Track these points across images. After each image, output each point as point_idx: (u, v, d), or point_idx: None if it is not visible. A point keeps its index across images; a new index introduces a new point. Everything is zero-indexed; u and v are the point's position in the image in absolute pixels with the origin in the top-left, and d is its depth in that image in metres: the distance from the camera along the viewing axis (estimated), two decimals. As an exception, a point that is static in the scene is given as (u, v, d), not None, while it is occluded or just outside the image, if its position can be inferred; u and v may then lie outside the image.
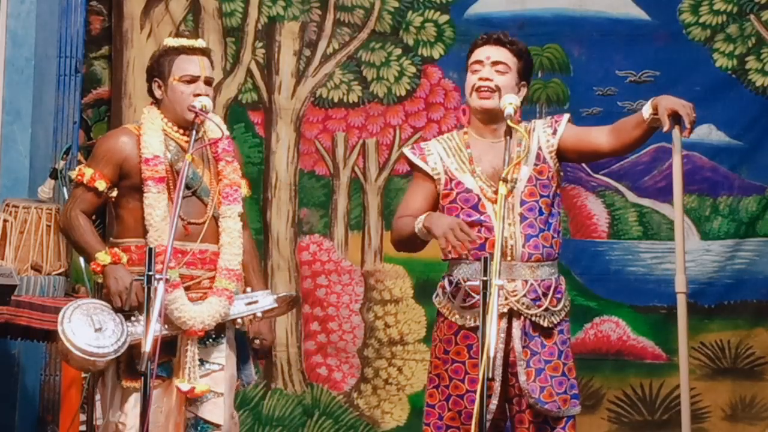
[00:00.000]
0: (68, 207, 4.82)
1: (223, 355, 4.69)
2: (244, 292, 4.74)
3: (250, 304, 4.64)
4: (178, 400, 4.65)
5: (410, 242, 4.67)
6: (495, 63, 4.66)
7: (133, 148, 4.70)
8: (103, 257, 4.66)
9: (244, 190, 4.86)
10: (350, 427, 7.24)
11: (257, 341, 4.84)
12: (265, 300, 4.64)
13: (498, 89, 4.62)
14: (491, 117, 4.64)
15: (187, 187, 4.69)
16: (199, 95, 4.67)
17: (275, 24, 7.39)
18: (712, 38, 7.11)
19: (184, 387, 4.56)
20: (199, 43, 4.74)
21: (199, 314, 4.60)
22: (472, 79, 4.66)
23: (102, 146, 4.80)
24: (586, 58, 7.19)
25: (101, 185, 4.72)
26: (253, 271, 4.88)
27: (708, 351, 7.05)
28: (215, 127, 4.76)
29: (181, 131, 4.74)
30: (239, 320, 4.65)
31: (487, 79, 4.62)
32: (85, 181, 4.72)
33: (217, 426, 4.65)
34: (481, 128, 4.69)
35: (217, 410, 4.65)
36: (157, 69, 4.74)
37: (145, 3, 7.38)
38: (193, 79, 4.69)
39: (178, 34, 4.81)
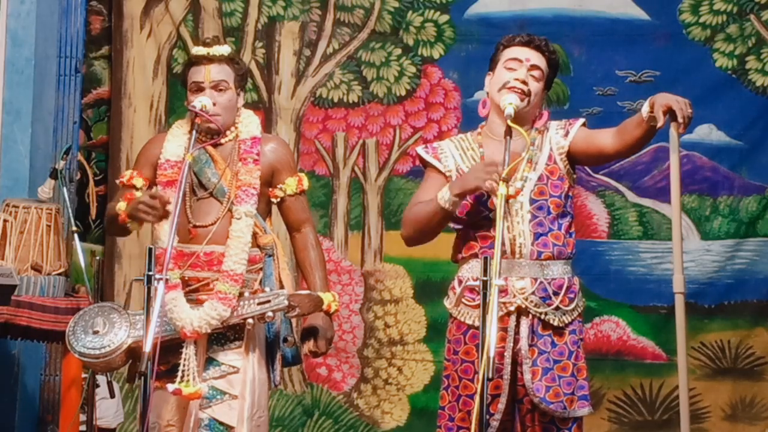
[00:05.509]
0: (108, 206, 4.94)
1: (239, 357, 4.68)
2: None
3: (262, 303, 4.62)
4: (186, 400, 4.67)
5: (429, 224, 4.62)
6: (533, 67, 4.65)
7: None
8: (120, 205, 4.66)
9: (291, 189, 4.84)
10: (350, 427, 7.24)
11: (308, 337, 4.81)
12: (277, 299, 4.62)
13: (529, 94, 4.62)
14: (514, 117, 4.61)
15: (204, 188, 4.73)
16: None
17: (275, 24, 7.39)
18: (712, 38, 7.11)
19: (171, 387, 4.56)
20: (214, 50, 4.74)
21: (191, 318, 4.60)
22: (505, 76, 4.63)
23: (141, 149, 4.93)
24: (586, 58, 7.20)
25: (138, 182, 4.79)
26: (309, 267, 4.85)
27: (708, 351, 7.05)
28: (250, 125, 4.80)
29: (208, 137, 4.76)
30: (250, 320, 4.64)
31: (523, 82, 4.62)
32: (124, 181, 4.83)
33: (230, 428, 4.65)
34: (498, 125, 4.67)
35: (230, 412, 4.64)
36: (182, 80, 4.85)
37: (145, 3, 7.38)
38: (199, 88, 4.73)
39: (203, 43, 4.81)
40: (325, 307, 4.76)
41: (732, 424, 7.03)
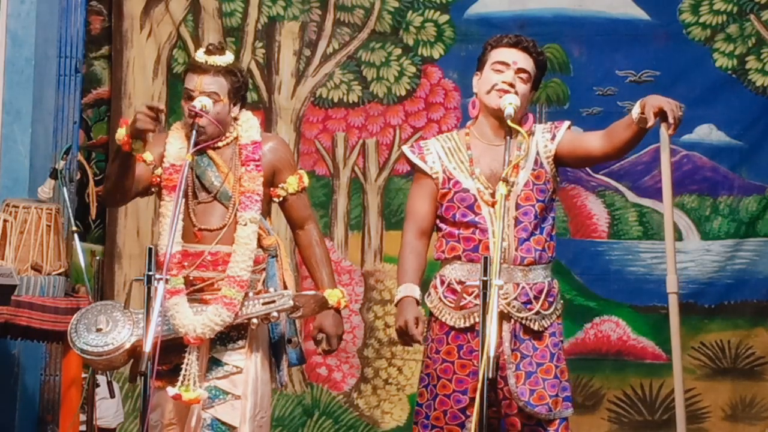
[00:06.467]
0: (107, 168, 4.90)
1: (243, 357, 4.68)
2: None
3: (266, 303, 4.63)
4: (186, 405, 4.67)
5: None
6: (520, 70, 4.65)
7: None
8: (120, 132, 4.58)
9: (293, 187, 4.83)
10: (350, 427, 7.24)
11: (319, 335, 4.82)
12: (282, 300, 4.63)
13: (517, 96, 4.61)
14: (503, 120, 4.61)
15: (207, 191, 4.72)
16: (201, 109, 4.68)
17: (275, 24, 7.39)
18: (712, 38, 7.11)
19: (171, 392, 4.56)
20: (211, 60, 4.73)
21: (194, 323, 4.59)
22: (493, 78, 4.64)
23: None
24: (586, 58, 7.20)
25: (149, 157, 4.76)
26: (315, 264, 4.85)
27: (708, 351, 7.05)
28: (251, 128, 4.79)
29: (203, 140, 4.74)
30: (254, 320, 4.64)
31: (510, 85, 4.61)
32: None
33: (232, 427, 4.65)
34: (486, 127, 4.68)
35: (233, 412, 4.65)
36: (183, 83, 4.82)
37: (145, 3, 7.38)
38: (190, 96, 4.72)
39: (206, 49, 4.79)
40: (334, 304, 4.77)
41: (732, 424, 7.03)
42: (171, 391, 4.54)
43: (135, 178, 4.71)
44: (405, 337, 4.63)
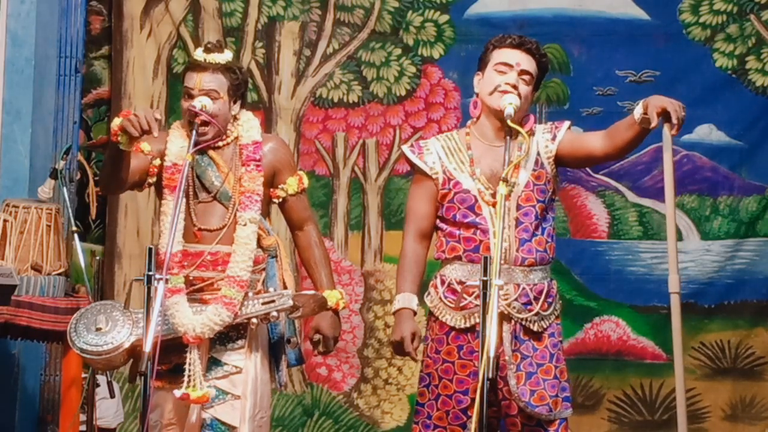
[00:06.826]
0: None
1: (242, 357, 4.69)
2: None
3: (266, 303, 4.63)
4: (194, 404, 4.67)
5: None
6: (523, 72, 4.63)
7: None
8: (115, 121, 4.50)
9: (293, 188, 4.83)
10: (350, 427, 7.24)
11: (316, 336, 4.83)
12: (282, 299, 4.63)
13: (519, 98, 4.60)
14: (504, 120, 4.60)
15: (207, 191, 4.72)
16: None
17: (275, 24, 7.39)
18: (712, 38, 7.12)
19: (178, 393, 4.57)
20: (210, 58, 4.73)
21: (193, 322, 4.59)
22: (497, 79, 4.62)
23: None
24: (586, 58, 7.20)
25: (146, 147, 4.73)
26: (314, 265, 4.86)
27: (708, 351, 7.06)
28: (251, 129, 4.78)
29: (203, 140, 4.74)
30: (254, 320, 4.64)
31: (513, 86, 4.61)
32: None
33: (232, 427, 4.65)
34: (488, 128, 4.68)
35: (233, 412, 4.65)
36: (182, 82, 4.80)
37: (145, 3, 7.38)
38: (189, 94, 4.71)
39: (205, 48, 4.78)
40: (333, 305, 4.77)
41: (732, 424, 7.04)
42: (177, 392, 4.55)
43: (130, 169, 4.65)
44: (400, 350, 4.64)
